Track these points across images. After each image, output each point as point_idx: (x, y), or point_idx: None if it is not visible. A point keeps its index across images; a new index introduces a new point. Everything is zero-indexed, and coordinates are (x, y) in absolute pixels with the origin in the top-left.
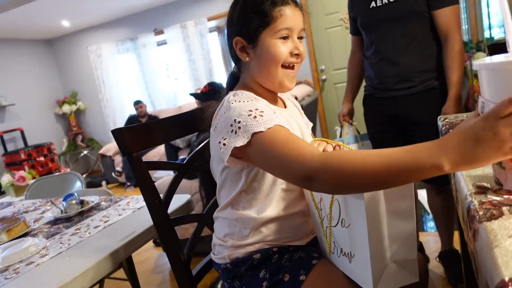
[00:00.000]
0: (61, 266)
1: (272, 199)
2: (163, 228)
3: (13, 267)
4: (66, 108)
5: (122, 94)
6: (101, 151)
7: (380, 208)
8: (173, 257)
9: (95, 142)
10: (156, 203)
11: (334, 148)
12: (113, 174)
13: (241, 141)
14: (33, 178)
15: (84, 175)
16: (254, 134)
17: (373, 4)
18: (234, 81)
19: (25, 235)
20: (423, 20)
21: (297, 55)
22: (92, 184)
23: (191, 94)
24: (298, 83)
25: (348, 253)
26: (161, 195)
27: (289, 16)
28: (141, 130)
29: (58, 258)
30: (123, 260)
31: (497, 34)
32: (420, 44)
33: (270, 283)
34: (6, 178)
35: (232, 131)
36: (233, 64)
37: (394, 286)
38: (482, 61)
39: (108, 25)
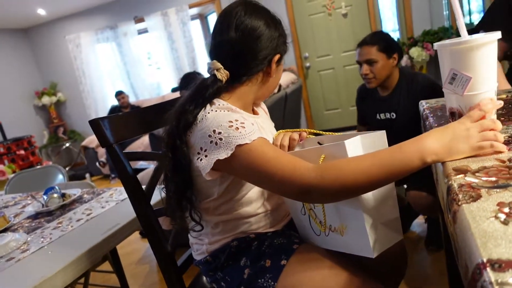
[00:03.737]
0: (43, 261)
1: (249, 200)
2: (146, 220)
3: None
4: (46, 100)
5: (104, 84)
6: (83, 143)
7: None
8: (157, 249)
9: (77, 134)
10: (138, 195)
11: (300, 136)
12: (97, 164)
13: (224, 153)
14: (13, 172)
15: (67, 168)
16: (238, 146)
17: (378, 116)
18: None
19: (4, 230)
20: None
21: None
22: (75, 177)
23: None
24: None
25: (338, 227)
26: (144, 187)
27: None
28: (119, 120)
29: (39, 253)
30: (107, 253)
31: (476, 20)
32: None
33: (252, 270)
34: None
35: (211, 142)
36: None
37: (385, 247)
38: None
39: (86, 13)
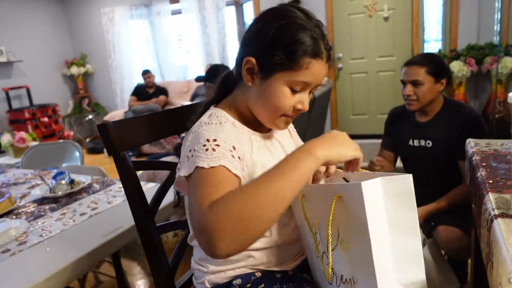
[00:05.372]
0: (37, 259)
1: None
2: (147, 236)
3: None
4: (74, 70)
5: (132, 61)
6: (106, 118)
7: (383, 221)
8: (155, 267)
9: (101, 107)
10: (142, 212)
11: (327, 169)
12: None
13: (184, 171)
14: (34, 140)
15: (87, 140)
16: (196, 167)
17: (411, 142)
18: (225, 90)
19: (8, 213)
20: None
21: (299, 110)
22: (93, 150)
23: (196, 79)
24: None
25: (349, 280)
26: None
27: (315, 72)
28: (129, 126)
29: (36, 249)
30: (105, 257)
31: None
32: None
33: None
34: (6, 138)
35: (186, 156)
36: None
37: None
38: None
39: None
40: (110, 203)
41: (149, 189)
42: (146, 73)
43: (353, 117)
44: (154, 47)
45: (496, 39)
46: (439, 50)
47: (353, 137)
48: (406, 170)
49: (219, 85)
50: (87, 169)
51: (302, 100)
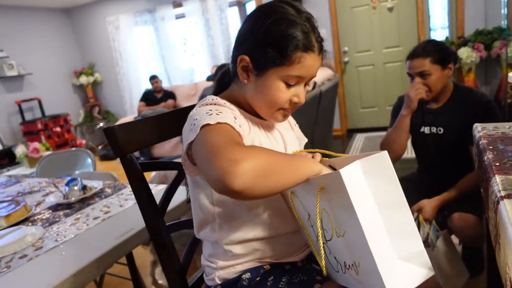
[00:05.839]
0: (53, 263)
1: (254, 221)
2: (157, 236)
3: (5, 260)
4: (83, 79)
5: (139, 67)
6: (116, 124)
7: (370, 202)
8: (168, 267)
9: (111, 114)
10: (152, 212)
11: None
12: None
13: (192, 136)
14: (47, 150)
15: (99, 147)
16: (202, 127)
17: (422, 129)
18: (223, 86)
19: (25, 220)
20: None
21: (295, 103)
22: (106, 156)
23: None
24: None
25: (352, 265)
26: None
27: (307, 65)
28: (135, 129)
29: (52, 253)
30: (118, 259)
31: None
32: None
33: None
34: (21, 150)
35: (190, 130)
36: None
37: (411, 286)
38: None
39: None
40: (122, 206)
41: (160, 190)
42: (153, 78)
43: (362, 111)
44: (159, 52)
45: (504, 23)
46: (446, 38)
47: (363, 130)
48: (418, 157)
49: (217, 81)
50: (99, 175)
51: (298, 93)
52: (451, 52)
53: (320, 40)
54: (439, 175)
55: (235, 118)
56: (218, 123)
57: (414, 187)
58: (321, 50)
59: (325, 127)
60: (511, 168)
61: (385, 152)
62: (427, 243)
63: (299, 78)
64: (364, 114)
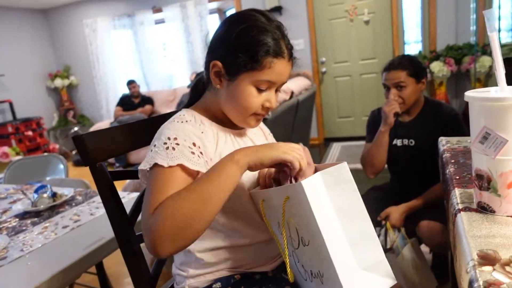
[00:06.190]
0: (18, 274)
1: (227, 229)
2: (127, 246)
3: None
4: (58, 82)
5: (116, 71)
6: (92, 129)
7: (331, 212)
8: (136, 276)
9: (87, 119)
10: (121, 221)
11: None
12: None
13: (143, 165)
14: (17, 154)
15: (73, 152)
16: (155, 164)
17: (395, 142)
18: (198, 93)
19: None
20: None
21: (268, 108)
22: (80, 162)
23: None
24: (296, 75)
25: (317, 273)
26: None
27: (278, 71)
28: (106, 137)
29: (17, 264)
30: (86, 270)
31: (504, 38)
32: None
33: None
34: None
35: (149, 153)
36: None
37: None
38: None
39: None
40: (93, 214)
41: (132, 198)
42: (131, 83)
43: (339, 120)
44: (138, 56)
45: (473, 39)
46: (420, 52)
47: (339, 139)
48: (390, 169)
49: (192, 89)
50: (70, 181)
51: (269, 98)
52: (424, 68)
53: (290, 47)
54: (410, 185)
55: (194, 145)
56: (169, 166)
57: (386, 196)
58: (291, 57)
59: (302, 135)
60: (469, 182)
61: (345, 164)
62: (392, 250)
63: (270, 83)
64: (341, 124)
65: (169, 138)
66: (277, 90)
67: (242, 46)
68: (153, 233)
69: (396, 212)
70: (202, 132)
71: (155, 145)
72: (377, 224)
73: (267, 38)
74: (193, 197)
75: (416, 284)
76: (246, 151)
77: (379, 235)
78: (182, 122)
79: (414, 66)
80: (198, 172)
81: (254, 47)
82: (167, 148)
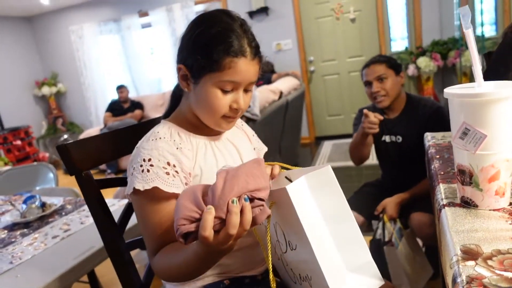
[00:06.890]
0: (7, 287)
1: None
2: (116, 255)
3: None
4: (46, 90)
5: (105, 77)
6: (81, 136)
7: (316, 216)
8: (127, 286)
9: (76, 126)
10: (110, 229)
11: (272, 171)
12: None
13: (129, 189)
14: (6, 164)
15: None
16: (134, 188)
17: (383, 138)
18: (177, 100)
19: None
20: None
21: (236, 109)
22: None
23: None
24: (285, 75)
25: (306, 277)
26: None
27: (240, 71)
28: (91, 145)
29: (6, 276)
30: (78, 279)
31: (488, 32)
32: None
33: None
34: None
35: (130, 173)
36: None
37: None
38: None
39: (90, 5)
40: (83, 223)
41: (122, 206)
42: (120, 88)
43: (329, 118)
44: (126, 61)
45: (457, 34)
46: (406, 48)
47: (330, 137)
48: (381, 165)
49: (171, 96)
50: (60, 190)
51: (236, 99)
52: (400, 64)
53: (254, 45)
54: (400, 180)
55: (168, 165)
56: (145, 190)
57: (377, 192)
58: (256, 55)
59: (293, 135)
60: (453, 177)
61: (329, 167)
62: (391, 243)
63: (234, 83)
64: (331, 122)
65: (144, 160)
66: (247, 90)
67: (199, 48)
68: (155, 270)
69: (391, 203)
70: (177, 148)
71: (134, 168)
72: (374, 217)
73: (225, 38)
74: (183, 272)
75: (413, 272)
76: (221, 253)
77: (377, 229)
78: (156, 139)
79: (391, 60)
80: (174, 194)
81: (211, 48)
82: (143, 171)
